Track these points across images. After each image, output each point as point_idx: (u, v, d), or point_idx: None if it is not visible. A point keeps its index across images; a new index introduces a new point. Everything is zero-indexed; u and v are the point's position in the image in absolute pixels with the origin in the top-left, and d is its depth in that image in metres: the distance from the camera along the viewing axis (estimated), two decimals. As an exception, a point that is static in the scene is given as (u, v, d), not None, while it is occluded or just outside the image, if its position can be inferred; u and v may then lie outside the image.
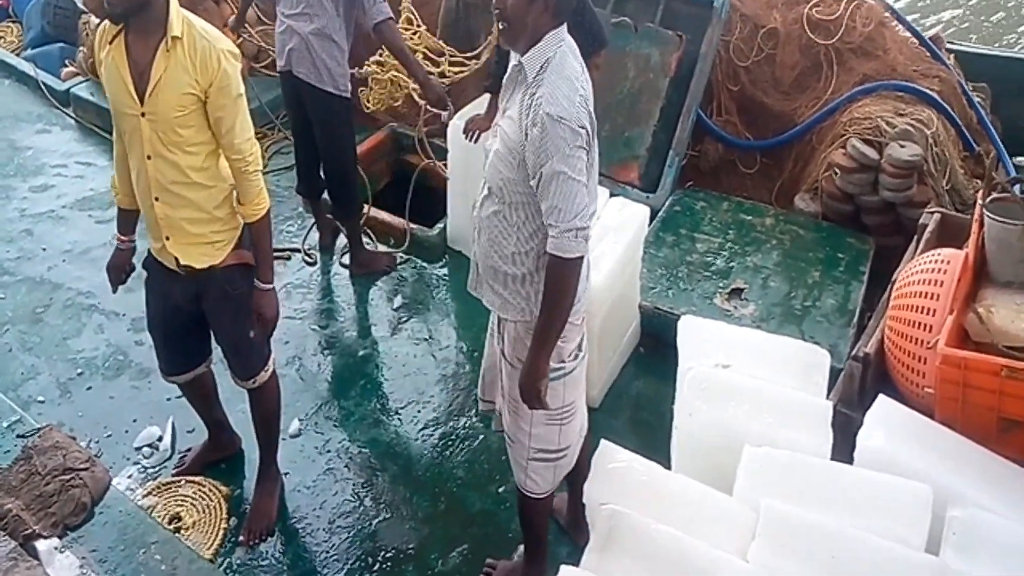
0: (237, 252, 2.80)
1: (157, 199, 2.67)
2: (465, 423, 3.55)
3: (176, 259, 2.77)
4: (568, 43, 2.25)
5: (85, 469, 2.81)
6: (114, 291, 3.08)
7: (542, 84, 2.16)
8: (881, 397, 2.67)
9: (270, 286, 2.83)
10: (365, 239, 4.46)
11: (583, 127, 2.15)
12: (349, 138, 4.11)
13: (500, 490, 3.24)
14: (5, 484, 2.77)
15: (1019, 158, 4.45)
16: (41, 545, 2.61)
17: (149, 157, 2.61)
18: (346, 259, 4.45)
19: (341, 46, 3.85)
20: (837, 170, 4.25)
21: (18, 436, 2.91)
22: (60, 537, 2.63)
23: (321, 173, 4.24)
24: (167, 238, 2.74)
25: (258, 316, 2.84)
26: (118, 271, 3.02)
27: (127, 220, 2.94)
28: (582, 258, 2.26)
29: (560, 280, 2.25)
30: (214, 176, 2.68)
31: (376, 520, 3.18)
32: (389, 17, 3.85)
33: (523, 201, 2.28)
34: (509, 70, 2.33)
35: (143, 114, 2.56)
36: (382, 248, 4.54)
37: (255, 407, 3.14)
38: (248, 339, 2.92)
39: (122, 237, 2.98)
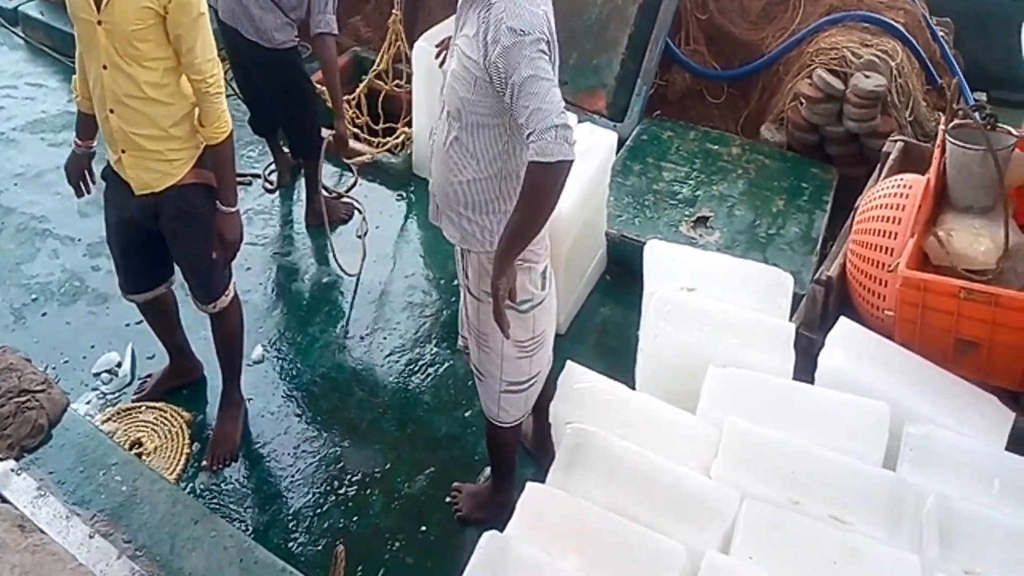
0: (196, 171, 2.73)
1: (112, 111, 2.59)
2: (431, 349, 3.54)
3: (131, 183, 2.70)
4: None
5: (41, 391, 2.76)
6: (78, 196, 3.00)
7: (501, 2, 2.08)
8: (842, 319, 2.71)
9: (233, 209, 2.78)
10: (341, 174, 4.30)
11: (543, 37, 2.07)
12: (302, 87, 3.89)
13: (466, 414, 3.25)
14: (-41, 406, 2.72)
15: (979, 93, 4.48)
16: (-3, 467, 2.57)
17: (105, 67, 2.52)
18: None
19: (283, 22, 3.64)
20: (802, 100, 4.25)
21: (-30, 360, 2.84)
22: (16, 459, 2.59)
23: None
24: (123, 151, 2.66)
25: (220, 239, 2.79)
26: (76, 175, 2.95)
27: (87, 125, 2.85)
28: (566, 166, 2.02)
29: (540, 186, 2.05)
30: (172, 93, 2.59)
31: (341, 445, 3.18)
32: (330, 33, 3.63)
33: (481, 123, 2.21)
34: None
35: (99, 22, 2.46)
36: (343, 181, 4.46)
37: (216, 332, 3.10)
38: (208, 262, 2.87)
39: (79, 142, 2.90)
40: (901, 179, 3.05)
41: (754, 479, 2.28)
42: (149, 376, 3.40)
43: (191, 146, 2.70)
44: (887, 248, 2.86)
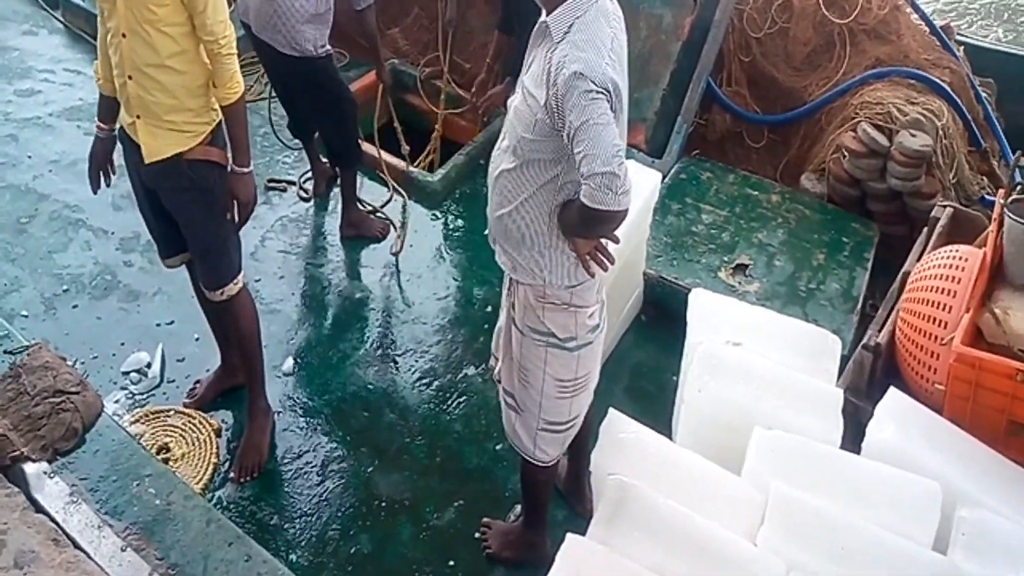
0: (206, 148, 2.75)
1: (130, 77, 2.62)
2: (463, 376, 3.50)
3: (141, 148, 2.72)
4: (601, 5, 2.15)
5: (76, 393, 2.72)
6: (94, 189, 2.97)
7: (566, 44, 2.08)
8: (892, 390, 2.69)
9: (246, 169, 2.79)
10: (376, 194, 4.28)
11: (605, 88, 2.04)
12: (339, 95, 3.86)
13: (497, 448, 3.21)
14: (-8, 401, 2.68)
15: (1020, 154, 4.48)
16: (29, 468, 2.53)
17: (124, 35, 2.56)
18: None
19: (314, 13, 3.58)
20: (845, 153, 4.23)
21: (5, 352, 2.80)
22: (49, 462, 2.55)
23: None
24: (137, 116, 2.68)
25: (235, 200, 2.80)
26: (97, 163, 2.94)
27: (108, 107, 2.86)
28: (613, 215, 2.07)
29: (587, 223, 2.14)
30: (189, 61, 2.63)
31: (370, 468, 3.15)
32: (369, 5, 3.75)
33: (535, 159, 2.20)
34: (536, 27, 2.24)
35: None
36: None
37: (228, 327, 3.08)
38: (218, 242, 2.87)
39: (102, 125, 2.89)
40: (956, 251, 3.04)
41: (800, 550, 2.25)
42: (198, 382, 3.36)
43: (204, 121, 2.72)
44: (940, 320, 2.84)
